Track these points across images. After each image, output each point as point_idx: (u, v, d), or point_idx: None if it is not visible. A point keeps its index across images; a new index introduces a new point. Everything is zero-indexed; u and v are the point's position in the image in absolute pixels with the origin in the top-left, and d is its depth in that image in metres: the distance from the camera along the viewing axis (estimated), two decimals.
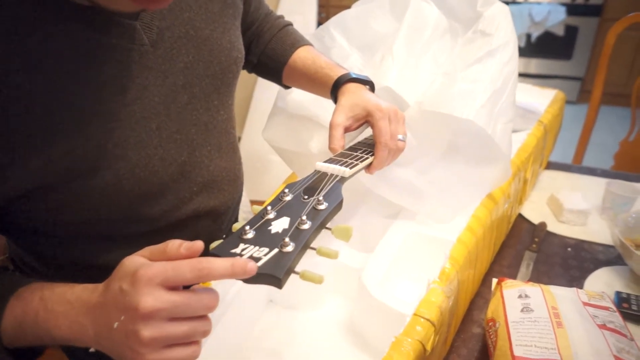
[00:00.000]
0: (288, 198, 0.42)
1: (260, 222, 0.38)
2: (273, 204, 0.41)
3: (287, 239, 0.35)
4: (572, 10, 3.19)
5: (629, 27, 1.42)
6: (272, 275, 0.33)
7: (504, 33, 0.69)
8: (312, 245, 0.38)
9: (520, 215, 0.90)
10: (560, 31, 3.17)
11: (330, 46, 0.77)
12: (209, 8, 0.57)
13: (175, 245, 0.35)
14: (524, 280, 0.72)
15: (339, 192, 0.44)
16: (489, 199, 0.68)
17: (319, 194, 0.43)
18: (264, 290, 0.64)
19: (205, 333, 0.36)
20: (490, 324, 0.57)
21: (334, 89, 0.64)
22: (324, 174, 0.48)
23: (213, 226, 0.66)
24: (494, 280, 0.64)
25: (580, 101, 3.40)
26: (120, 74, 0.48)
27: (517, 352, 0.49)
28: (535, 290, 0.58)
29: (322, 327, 0.61)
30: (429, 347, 0.48)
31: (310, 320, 0.62)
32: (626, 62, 3.18)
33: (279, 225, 0.38)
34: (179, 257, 0.35)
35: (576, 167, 1.11)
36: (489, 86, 0.64)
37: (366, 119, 0.58)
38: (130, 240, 0.55)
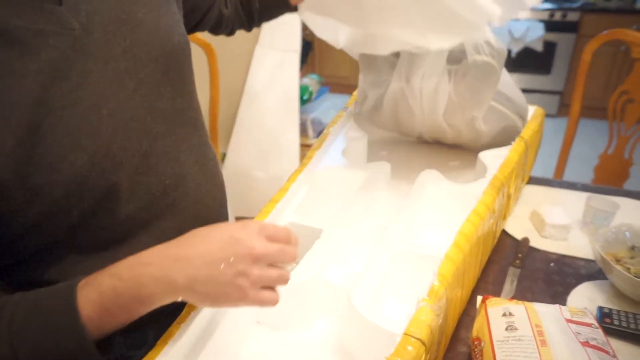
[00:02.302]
0: None
1: None
2: None
3: None
4: (550, 26, 3.28)
5: (605, 43, 1.46)
6: None
7: None
8: None
9: (503, 231, 0.91)
10: (539, 47, 3.26)
11: None
12: None
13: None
14: (509, 297, 0.73)
15: None
16: (474, 215, 0.69)
17: None
18: (251, 311, 0.64)
19: (287, 280, 0.48)
20: (475, 342, 0.58)
21: None
22: None
23: (195, 224, 0.65)
24: (479, 298, 0.65)
25: (561, 114, 3.48)
26: (57, 60, 0.47)
27: None
28: (519, 308, 0.59)
29: (312, 348, 0.61)
30: None
31: (299, 341, 0.62)
32: (603, 76, 3.28)
33: None
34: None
35: (557, 181, 1.13)
36: None
37: None
38: (102, 250, 0.55)
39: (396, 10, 0.65)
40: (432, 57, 0.77)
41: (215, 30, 0.84)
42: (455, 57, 0.79)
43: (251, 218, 0.72)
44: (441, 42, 0.66)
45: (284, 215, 0.72)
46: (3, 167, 0.44)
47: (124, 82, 0.53)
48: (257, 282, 0.45)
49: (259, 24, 0.83)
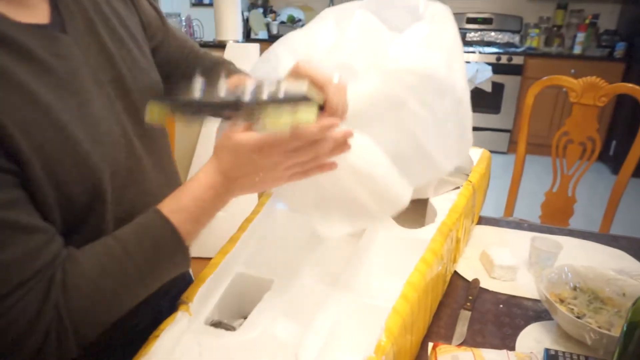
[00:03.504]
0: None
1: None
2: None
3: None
4: (497, 69, 3.49)
5: (547, 86, 1.56)
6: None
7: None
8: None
9: (455, 272, 0.93)
10: (488, 88, 3.44)
11: (276, 66, 0.75)
12: (117, 34, 0.65)
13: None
14: (459, 342, 0.73)
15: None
16: (422, 263, 0.70)
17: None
18: None
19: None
20: None
21: None
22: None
23: None
24: (430, 345, 0.65)
25: (510, 151, 3.66)
26: (65, 79, 0.54)
27: None
28: (467, 355, 0.60)
29: None
30: None
31: None
32: (548, 115, 3.49)
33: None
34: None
35: (505, 221, 1.17)
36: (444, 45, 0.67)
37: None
38: None
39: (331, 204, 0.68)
40: None
41: None
42: None
43: (208, 259, 0.71)
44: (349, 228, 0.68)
45: (234, 267, 0.71)
46: (31, 168, 0.49)
47: (113, 105, 0.61)
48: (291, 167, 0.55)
49: None
